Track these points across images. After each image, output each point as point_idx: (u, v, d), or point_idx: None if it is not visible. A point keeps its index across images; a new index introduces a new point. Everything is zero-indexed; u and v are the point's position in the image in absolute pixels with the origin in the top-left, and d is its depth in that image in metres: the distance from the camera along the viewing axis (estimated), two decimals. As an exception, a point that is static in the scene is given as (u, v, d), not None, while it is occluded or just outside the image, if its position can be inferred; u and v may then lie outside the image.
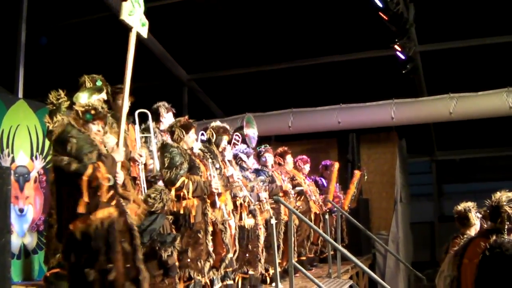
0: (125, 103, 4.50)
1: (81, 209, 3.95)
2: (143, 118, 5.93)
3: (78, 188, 3.98)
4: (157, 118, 6.49)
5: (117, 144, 4.39)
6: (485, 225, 5.07)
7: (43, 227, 7.48)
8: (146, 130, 6.01)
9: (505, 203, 4.24)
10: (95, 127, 4.34)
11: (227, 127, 6.78)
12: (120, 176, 4.30)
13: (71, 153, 4.03)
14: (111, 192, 4.15)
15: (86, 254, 3.98)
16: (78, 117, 4.30)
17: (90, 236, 3.99)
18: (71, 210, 4.01)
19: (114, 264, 4.03)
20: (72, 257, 3.99)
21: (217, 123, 6.79)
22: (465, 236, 5.16)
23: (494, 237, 4.17)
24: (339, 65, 12.79)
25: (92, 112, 4.31)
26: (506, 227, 4.21)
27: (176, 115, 6.77)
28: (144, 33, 4.74)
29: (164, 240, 4.92)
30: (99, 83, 5.43)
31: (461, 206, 5.53)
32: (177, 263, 5.19)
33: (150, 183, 5.65)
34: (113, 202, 4.14)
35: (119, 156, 4.31)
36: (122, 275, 4.06)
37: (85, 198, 3.98)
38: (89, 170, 4.00)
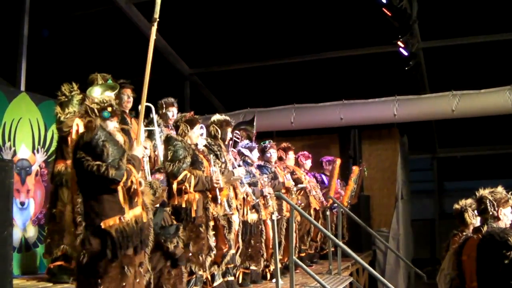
0: (143, 98, 4.44)
1: (121, 212, 4.00)
2: (147, 111, 5.95)
3: (112, 192, 4.00)
4: (159, 114, 6.54)
5: (137, 141, 4.37)
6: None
7: (44, 221, 7.48)
8: (150, 123, 6.06)
9: (486, 194, 4.56)
10: (112, 124, 4.27)
11: (228, 118, 6.74)
12: (140, 174, 4.34)
13: (107, 159, 3.94)
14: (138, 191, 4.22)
15: (123, 251, 4.00)
16: (92, 115, 4.24)
17: (126, 234, 3.99)
18: (101, 211, 3.99)
19: (146, 258, 4.23)
20: (108, 254, 3.95)
21: (216, 116, 6.72)
22: (464, 233, 5.24)
23: (484, 228, 4.43)
24: (341, 61, 12.78)
25: (109, 109, 4.26)
26: (491, 214, 4.49)
27: (178, 110, 6.79)
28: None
29: (168, 232, 4.95)
30: (110, 82, 5.49)
31: (458, 205, 5.58)
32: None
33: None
34: (140, 201, 4.19)
35: (140, 153, 4.36)
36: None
37: (122, 202, 4.02)
38: (125, 177, 4.00)
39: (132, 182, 4.06)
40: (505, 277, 4.07)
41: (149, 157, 5.55)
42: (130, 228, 4.02)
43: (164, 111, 6.70)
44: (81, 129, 5.35)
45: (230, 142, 7.00)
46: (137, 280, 4.10)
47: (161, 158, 5.70)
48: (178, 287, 5.01)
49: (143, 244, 4.16)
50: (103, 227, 3.96)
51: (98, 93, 4.80)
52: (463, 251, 4.52)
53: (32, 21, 8.93)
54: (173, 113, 6.69)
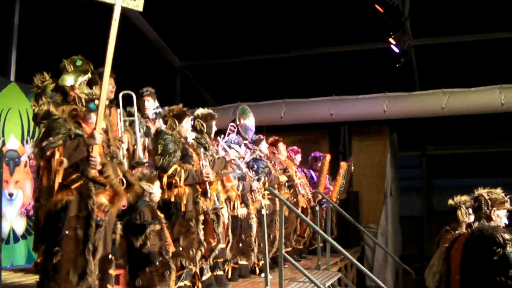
0: (104, 86, 4.30)
1: (37, 192, 3.99)
2: (128, 100, 5.89)
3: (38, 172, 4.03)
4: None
5: (94, 127, 4.22)
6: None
7: (32, 212, 7.44)
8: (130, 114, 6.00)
9: (484, 192, 4.61)
10: (95, 117, 4.24)
11: (212, 111, 6.67)
12: (95, 160, 4.17)
13: (39, 138, 4.05)
14: (74, 175, 4.09)
15: (46, 235, 4.03)
16: (79, 104, 4.21)
17: (47, 218, 4.01)
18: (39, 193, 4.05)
19: (61, 248, 3.98)
20: (41, 238, 4.03)
21: (200, 110, 6.62)
22: (457, 231, 5.22)
23: (475, 224, 4.50)
24: (333, 57, 12.78)
25: (96, 102, 4.24)
26: (483, 212, 4.53)
27: (168, 103, 6.73)
28: (139, 7, 4.49)
29: (135, 229, 4.90)
30: (79, 62, 5.36)
31: (453, 201, 5.54)
32: (172, 249, 5.18)
33: (133, 168, 5.63)
34: (75, 185, 4.06)
35: (93, 140, 4.15)
36: (68, 262, 4.00)
37: (44, 182, 4.01)
38: (47, 154, 3.96)
39: (52, 161, 3.99)
40: (492, 273, 4.07)
41: (128, 149, 5.48)
42: (48, 212, 4.04)
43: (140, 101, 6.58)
44: None
45: (226, 133, 6.96)
46: None
47: (140, 151, 5.62)
48: (157, 283, 4.99)
49: (57, 231, 4.04)
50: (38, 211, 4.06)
51: (71, 81, 4.69)
52: (454, 246, 4.53)
53: (23, 11, 8.86)
54: (143, 102, 6.49)
